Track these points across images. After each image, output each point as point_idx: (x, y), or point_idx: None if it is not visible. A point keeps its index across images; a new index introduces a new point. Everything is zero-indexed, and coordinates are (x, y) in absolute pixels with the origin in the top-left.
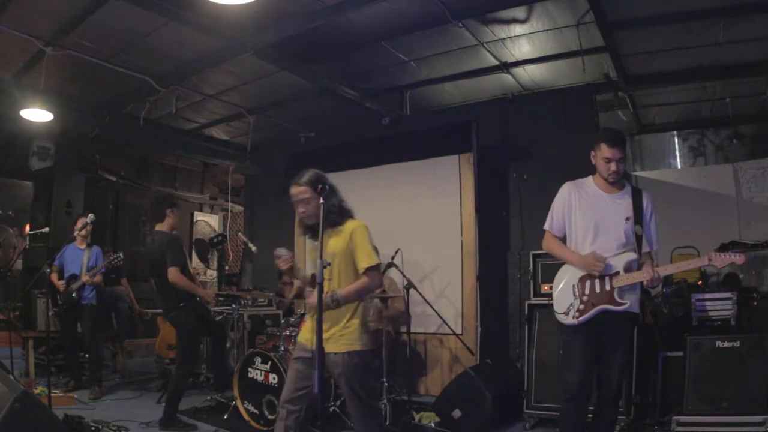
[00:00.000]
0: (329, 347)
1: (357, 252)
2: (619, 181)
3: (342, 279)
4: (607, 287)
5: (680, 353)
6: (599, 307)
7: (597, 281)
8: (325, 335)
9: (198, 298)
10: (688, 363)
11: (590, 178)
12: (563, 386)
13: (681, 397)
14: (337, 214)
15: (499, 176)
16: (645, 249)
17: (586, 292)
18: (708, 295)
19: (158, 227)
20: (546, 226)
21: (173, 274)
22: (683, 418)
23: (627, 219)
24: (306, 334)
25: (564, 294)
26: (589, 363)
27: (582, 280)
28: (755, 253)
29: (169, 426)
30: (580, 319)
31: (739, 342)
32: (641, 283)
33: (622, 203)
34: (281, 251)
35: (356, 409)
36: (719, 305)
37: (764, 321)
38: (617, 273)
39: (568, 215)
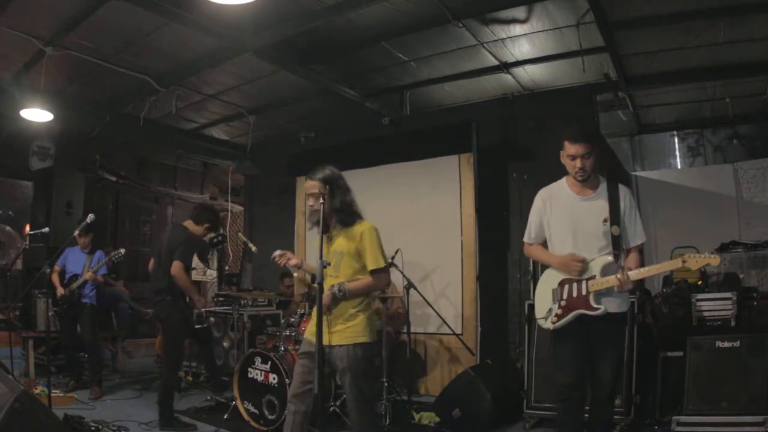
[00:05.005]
0: (335, 340)
1: (365, 254)
2: (590, 179)
3: (349, 276)
4: (584, 292)
5: (680, 353)
6: (575, 312)
7: (575, 285)
8: (331, 329)
9: (188, 299)
10: (688, 363)
11: (563, 180)
12: (555, 387)
13: (681, 397)
14: (347, 213)
15: (499, 176)
16: (626, 246)
17: (564, 296)
18: (708, 295)
19: (186, 222)
20: (525, 239)
21: (176, 267)
22: (683, 418)
23: (605, 221)
24: (313, 328)
25: (544, 298)
26: (578, 363)
27: (561, 284)
28: (755, 253)
29: (168, 426)
30: (557, 324)
31: (739, 342)
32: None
33: (597, 205)
34: (276, 252)
35: (357, 405)
36: (719, 305)
37: (764, 321)
38: (593, 277)
39: (547, 224)
